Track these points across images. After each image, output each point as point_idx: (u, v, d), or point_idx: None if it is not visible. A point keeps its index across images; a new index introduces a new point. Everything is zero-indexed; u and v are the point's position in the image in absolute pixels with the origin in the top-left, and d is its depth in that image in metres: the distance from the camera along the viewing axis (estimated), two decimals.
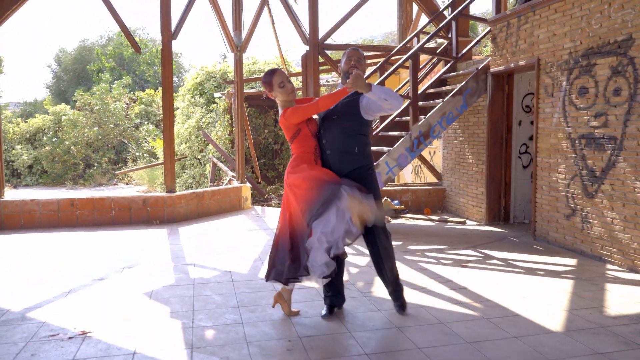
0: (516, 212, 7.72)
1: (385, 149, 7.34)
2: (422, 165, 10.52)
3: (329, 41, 8.39)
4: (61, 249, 6.10)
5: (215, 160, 12.85)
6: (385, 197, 8.51)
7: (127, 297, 4.30)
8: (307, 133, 3.52)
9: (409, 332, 3.51)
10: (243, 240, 6.57)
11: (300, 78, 14.09)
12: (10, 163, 19.99)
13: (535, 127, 6.43)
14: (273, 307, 3.92)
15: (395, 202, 8.59)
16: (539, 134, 6.37)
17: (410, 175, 11.25)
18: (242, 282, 4.64)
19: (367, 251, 5.82)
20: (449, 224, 7.73)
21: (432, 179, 9.77)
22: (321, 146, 3.62)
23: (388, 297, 4.24)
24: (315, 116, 3.74)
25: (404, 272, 4.99)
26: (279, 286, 4.36)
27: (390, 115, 8.30)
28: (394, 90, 8.74)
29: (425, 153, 11.19)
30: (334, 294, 3.87)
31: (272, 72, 3.56)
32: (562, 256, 5.62)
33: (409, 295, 4.28)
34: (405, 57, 7.14)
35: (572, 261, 5.42)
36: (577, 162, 5.75)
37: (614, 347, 3.23)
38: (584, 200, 5.65)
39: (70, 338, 3.43)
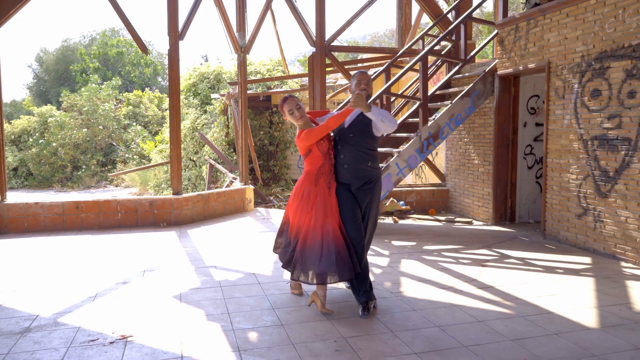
0: (521, 212, 7.85)
1: (392, 150, 7.40)
2: (424, 166, 10.61)
3: (335, 43, 8.41)
4: (73, 253, 6.00)
5: (212, 162, 12.76)
6: (391, 198, 8.57)
7: (156, 300, 4.25)
8: (316, 153, 3.89)
9: (450, 330, 3.54)
10: (256, 241, 6.54)
11: (293, 80, 14.12)
12: None
13: (545, 129, 6.55)
14: (309, 305, 3.94)
15: (401, 202, 8.65)
16: (549, 135, 6.49)
17: (411, 176, 11.34)
18: (270, 284, 4.62)
19: (385, 252, 5.90)
20: (457, 224, 7.82)
21: (433, 179, 9.87)
22: (339, 161, 4.02)
23: (418, 296, 4.30)
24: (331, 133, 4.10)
25: (427, 272, 5.04)
26: (309, 287, 4.37)
27: (396, 117, 8.35)
28: (400, 92, 8.81)
29: None
30: (369, 288, 3.91)
31: (284, 100, 3.94)
32: (576, 255, 5.74)
33: (439, 295, 4.33)
34: (415, 59, 7.20)
35: (587, 259, 5.54)
36: (589, 162, 5.87)
37: None
38: (597, 199, 5.78)
39: (111, 343, 3.38)
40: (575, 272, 5.03)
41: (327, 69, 10.29)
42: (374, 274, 4.97)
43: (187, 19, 7.70)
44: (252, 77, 14.11)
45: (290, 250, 3.98)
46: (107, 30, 31.66)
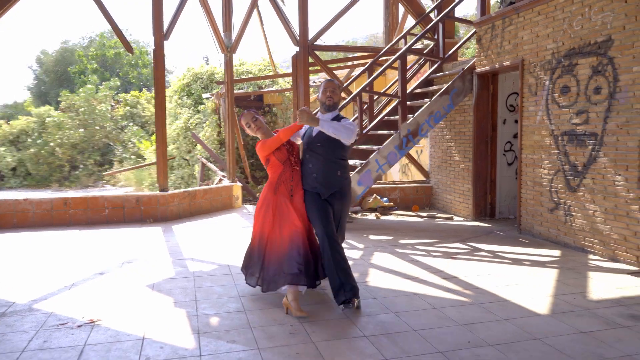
0: (501, 208, 7.98)
1: (373, 147, 7.54)
2: (410, 164, 10.75)
3: (318, 42, 8.57)
4: (58, 247, 6.17)
5: (204, 160, 12.93)
6: (374, 195, 8.71)
7: (129, 289, 4.41)
8: (275, 161, 3.99)
9: (404, 316, 3.69)
10: (237, 236, 6.70)
11: (284, 79, 14.28)
12: None
13: (519, 125, 6.69)
14: (286, 313, 3.80)
15: (384, 199, 8.80)
16: (524, 132, 6.62)
17: (397, 174, 11.48)
18: (241, 275, 4.75)
19: (360, 245, 6.04)
20: (437, 219, 7.95)
21: (419, 177, 10.01)
22: (307, 170, 4.02)
23: (382, 285, 4.45)
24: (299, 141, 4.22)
25: (396, 263, 5.19)
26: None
27: (378, 114, 8.50)
28: (383, 90, 8.94)
29: (412, 152, 11.43)
30: (355, 283, 3.83)
31: (241, 115, 4.19)
32: (547, 248, 5.87)
33: (403, 285, 4.47)
34: (394, 57, 7.35)
35: (557, 252, 5.67)
36: (560, 157, 6.00)
37: (596, 327, 3.46)
38: (567, 194, 5.91)
39: (79, 326, 3.54)
40: (541, 264, 5.17)
41: (316, 68, 10.46)
42: None
43: (172, 20, 7.87)
44: (243, 77, 14.28)
45: (256, 262, 4.02)
46: (106, 32, 31.88)
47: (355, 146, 8.02)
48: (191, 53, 65.41)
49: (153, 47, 7.76)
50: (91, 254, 5.72)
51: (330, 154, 3.96)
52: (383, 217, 8.19)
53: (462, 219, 7.96)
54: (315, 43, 8.36)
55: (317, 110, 4.68)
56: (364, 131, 7.62)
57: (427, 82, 8.68)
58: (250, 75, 14.43)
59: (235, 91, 13.67)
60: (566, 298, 4.08)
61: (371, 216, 8.25)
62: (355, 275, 4.76)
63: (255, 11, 9.82)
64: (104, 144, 20.87)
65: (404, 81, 7.35)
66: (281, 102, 14.07)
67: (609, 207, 5.32)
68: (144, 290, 4.38)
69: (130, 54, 10.43)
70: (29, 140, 20.22)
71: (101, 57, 29.60)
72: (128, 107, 22.58)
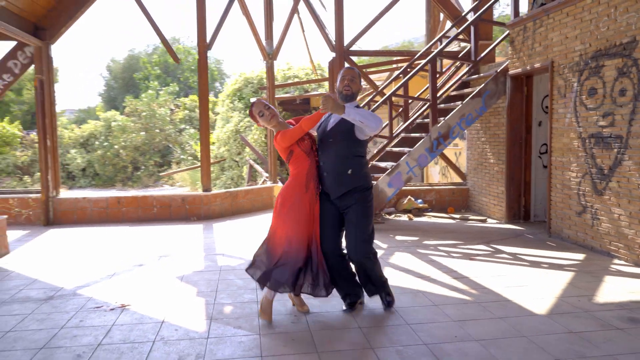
0: (537, 211, 7.88)
1: (406, 149, 7.70)
2: (449, 166, 10.76)
3: (355, 48, 8.83)
4: (108, 241, 6.82)
5: (251, 162, 13.52)
6: (409, 196, 8.85)
7: (161, 279, 4.89)
8: (299, 153, 3.67)
9: (403, 312, 3.90)
10: None
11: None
12: (66, 166, 21.47)
13: (549, 127, 6.64)
14: (293, 305, 4.04)
15: (419, 200, 8.91)
16: (553, 134, 6.57)
17: (437, 176, 11.51)
18: None
19: (383, 245, 6.25)
20: (470, 222, 7.98)
21: (458, 179, 10.02)
22: (320, 168, 3.74)
23: (392, 283, 4.60)
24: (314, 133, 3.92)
25: (413, 263, 5.36)
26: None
27: (412, 117, 8.64)
28: (417, 94, 9.06)
29: (451, 154, 11.45)
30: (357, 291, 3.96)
31: (252, 104, 3.82)
32: (572, 252, 5.82)
33: (412, 283, 4.67)
34: (424, 61, 7.48)
35: (580, 256, 5.62)
36: (587, 160, 5.93)
37: (589, 328, 3.51)
38: (594, 197, 5.84)
39: (111, 309, 4.03)
40: (560, 267, 5.17)
41: None
42: None
43: (215, 31, 8.40)
44: (290, 81, 14.76)
45: (288, 268, 3.69)
46: (167, 40, 33.72)
47: (388, 148, 8.22)
48: (250, 57, 67.34)
49: (197, 57, 8.32)
50: (135, 248, 6.30)
51: (343, 150, 3.65)
52: (416, 219, 8.32)
53: (495, 221, 7.94)
54: (351, 49, 8.62)
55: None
56: (395, 134, 7.80)
57: (463, 84, 8.72)
58: (296, 80, 14.91)
59: (282, 95, 14.18)
60: (571, 300, 4.12)
61: (404, 217, 8.40)
62: None
63: (296, 18, 10.23)
64: (164, 146, 22.12)
65: (434, 84, 7.46)
66: None
67: (634, 211, 5.22)
68: (174, 281, 4.85)
69: (177, 63, 11.18)
70: (97, 142, 21.80)
71: (163, 64, 31.28)
72: (187, 111, 23.79)
